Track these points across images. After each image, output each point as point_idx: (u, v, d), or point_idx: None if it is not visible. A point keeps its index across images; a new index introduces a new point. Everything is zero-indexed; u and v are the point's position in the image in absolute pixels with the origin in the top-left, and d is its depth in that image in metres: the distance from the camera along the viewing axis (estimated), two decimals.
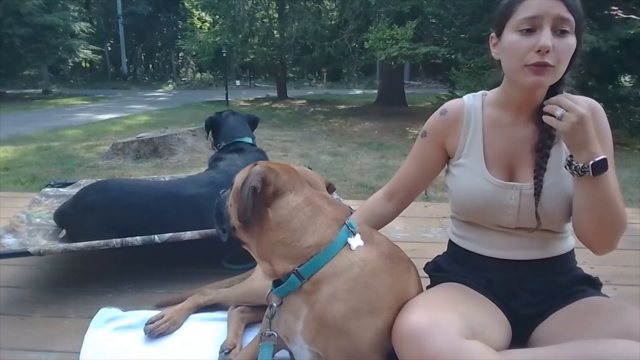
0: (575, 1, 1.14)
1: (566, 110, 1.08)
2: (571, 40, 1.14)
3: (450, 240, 1.45)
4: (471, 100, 1.36)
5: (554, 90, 1.22)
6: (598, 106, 1.25)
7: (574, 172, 1.12)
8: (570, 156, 1.13)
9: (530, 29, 1.14)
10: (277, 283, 1.17)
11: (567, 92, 1.25)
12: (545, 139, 1.23)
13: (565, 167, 1.15)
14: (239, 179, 1.19)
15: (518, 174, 1.27)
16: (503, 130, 1.29)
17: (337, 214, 1.19)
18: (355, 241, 1.17)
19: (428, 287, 1.39)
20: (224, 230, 1.25)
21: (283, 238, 1.14)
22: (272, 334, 1.16)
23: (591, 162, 1.08)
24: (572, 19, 1.12)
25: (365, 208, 1.50)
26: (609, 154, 1.21)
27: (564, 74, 1.20)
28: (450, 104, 1.39)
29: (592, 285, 1.31)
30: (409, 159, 1.46)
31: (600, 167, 1.09)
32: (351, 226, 1.17)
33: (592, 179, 1.10)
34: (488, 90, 1.38)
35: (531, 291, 1.28)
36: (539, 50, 1.11)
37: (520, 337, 1.25)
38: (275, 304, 1.16)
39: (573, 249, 1.34)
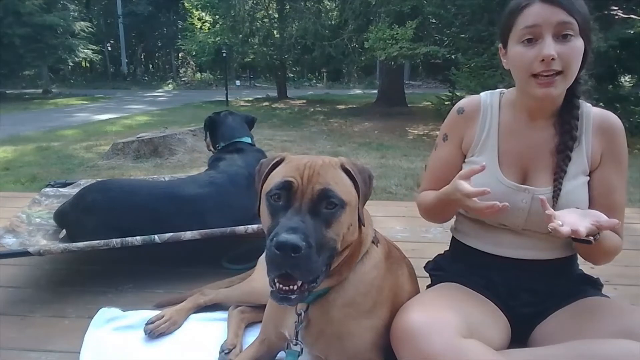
0: (576, 3, 1.13)
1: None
2: (577, 43, 1.12)
3: (453, 237, 1.44)
4: (488, 98, 1.34)
5: (571, 91, 1.21)
6: (619, 124, 1.24)
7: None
8: None
9: (532, 39, 1.13)
10: None
11: (584, 91, 1.24)
12: (566, 140, 1.21)
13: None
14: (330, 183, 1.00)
15: (531, 177, 1.25)
16: (519, 132, 1.27)
17: None
18: (377, 238, 1.17)
19: (428, 287, 1.39)
20: (318, 276, 0.98)
21: (364, 234, 1.10)
22: (298, 344, 1.10)
23: (592, 237, 1.06)
24: (573, 21, 1.11)
25: None
26: (622, 174, 1.20)
27: (578, 73, 1.18)
28: (466, 102, 1.36)
29: (592, 285, 1.31)
30: (434, 166, 1.39)
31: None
32: None
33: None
34: (503, 88, 1.37)
35: (532, 290, 1.28)
36: (544, 60, 1.10)
37: (520, 337, 1.25)
38: (303, 312, 1.11)
39: None
